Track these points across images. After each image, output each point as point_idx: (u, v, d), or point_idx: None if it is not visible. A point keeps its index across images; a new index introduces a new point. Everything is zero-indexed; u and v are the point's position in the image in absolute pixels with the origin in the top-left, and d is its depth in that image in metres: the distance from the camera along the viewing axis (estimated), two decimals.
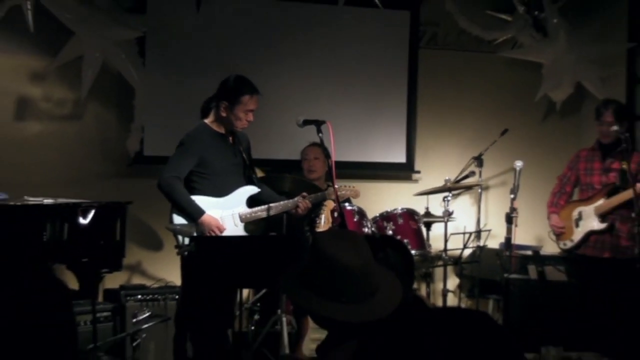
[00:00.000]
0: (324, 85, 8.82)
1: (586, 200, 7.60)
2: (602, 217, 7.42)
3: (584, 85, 9.19)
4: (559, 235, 7.74)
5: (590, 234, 7.51)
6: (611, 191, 7.42)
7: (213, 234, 6.18)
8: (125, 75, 8.00)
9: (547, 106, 9.49)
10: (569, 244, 7.66)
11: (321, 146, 6.27)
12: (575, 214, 7.63)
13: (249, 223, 6.54)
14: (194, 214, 6.19)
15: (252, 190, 6.52)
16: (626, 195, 7.20)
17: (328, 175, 7.69)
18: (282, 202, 6.57)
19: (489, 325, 1.74)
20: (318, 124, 6.26)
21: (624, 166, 7.28)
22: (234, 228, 6.37)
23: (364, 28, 8.94)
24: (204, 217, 6.19)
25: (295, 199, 6.59)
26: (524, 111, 9.45)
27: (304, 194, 6.63)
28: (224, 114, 6.33)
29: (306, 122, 6.39)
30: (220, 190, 6.37)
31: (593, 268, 7.53)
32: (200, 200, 6.27)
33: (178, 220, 6.24)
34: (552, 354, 5.74)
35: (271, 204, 6.54)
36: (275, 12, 8.72)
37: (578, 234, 7.60)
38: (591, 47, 9.12)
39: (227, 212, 6.38)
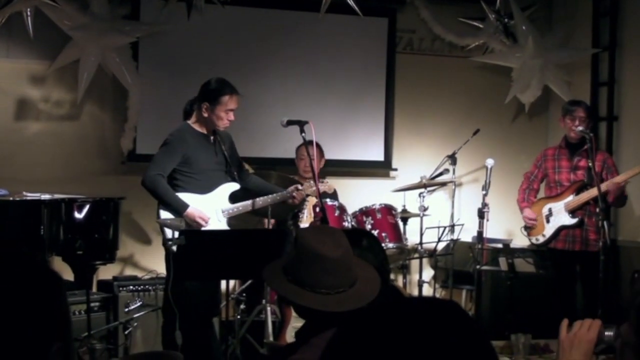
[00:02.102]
0: (307, 87, 8.79)
1: (555, 196, 7.55)
2: (572, 212, 7.39)
3: (551, 88, 9.18)
4: (532, 228, 7.67)
5: (562, 228, 7.45)
6: (580, 188, 7.39)
7: (200, 226, 6.15)
8: (120, 78, 7.97)
9: (517, 107, 9.47)
10: (541, 239, 7.59)
11: (305, 143, 6.24)
12: (545, 210, 7.58)
13: (231, 218, 6.50)
14: (178, 208, 6.15)
15: (233, 187, 6.48)
16: (594, 192, 7.18)
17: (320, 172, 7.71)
18: (269, 196, 6.53)
19: (458, 313, 1.69)
20: (301, 124, 6.24)
21: (590, 164, 7.27)
22: (217, 223, 6.34)
23: (345, 34, 8.92)
24: (189, 210, 6.15)
25: (290, 189, 6.52)
26: (495, 112, 9.42)
27: (298, 185, 6.58)
28: (205, 115, 6.29)
29: (290, 123, 6.36)
30: (203, 187, 6.33)
31: (565, 260, 7.50)
32: (183, 197, 6.23)
33: (165, 215, 6.19)
34: (521, 341, 5.69)
35: (256, 199, 6.51)
36: (262, 19, 8.70)
37: (549, 229, 7.54)
38: (557, 52, 9.14)
39: (210, 208, 6.33)
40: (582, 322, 2.70)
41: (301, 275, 2.97)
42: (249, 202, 6.51)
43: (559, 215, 7.46)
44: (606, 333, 2.65)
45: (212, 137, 6.42)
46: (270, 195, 6.54)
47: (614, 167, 7.48)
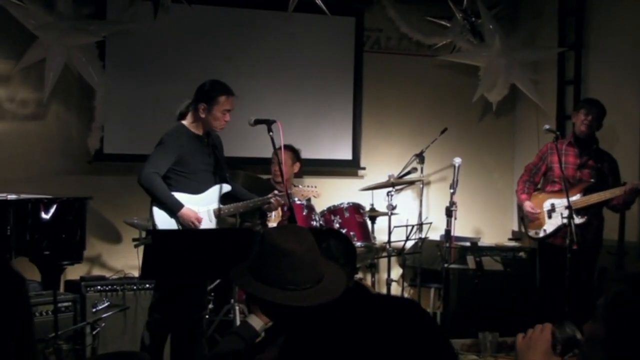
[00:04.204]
0: (275, 86, 8.80)
1: (558, 192, 7.41)
2: (577, 211, 7.20)
3: (518, 86, 9.23)
4: (532, 221, 7.61)
5: (564, 226, 7.23)
6: (587, 188, 7.30)
7: (193, 226, 6.17)
8: (86, 77, 7.94)
9: (484, 106, 9.52)
10: (541, 234, 7.54)
11: (275, 149, 6.22)
12: (546, 205, 7.50)
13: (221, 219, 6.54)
14: (173, 207, 6.18)
15: (225, 188, 6.52)
16: (607, 194, 7.16)
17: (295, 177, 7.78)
18: (255, 199, 6.57)
19: (417, 312, 1.73)
20: (269, 123, 6.25)
21: (599, 166, 7.29)
22: (208, 223, 6.37)
23: (313, 33, 8.95)
24: (183, 210, 6.18)
25: (269, 196, 6.57)
26: (462, 111, 9.47)
27: (276, 192, 6.61)
28: (202, 115, 6.33)
29: (257, 122, 6.38)
30: (196, 187, 6.36)
31: (560, 257, 7.28)
32: (176, 196, 6.24)
33: (158, 213, 6.19)
34: (489, 339, 5.75)
35: (243, 202, 6.55)
36: (229, 18, 8.70)
37: (551, 225, 7.47)
38: (523, 51, 9.20)
39: (203, 208, 6.36)
40: (534, 327, 2.74)
41: (267, 272, 3.00)
42: (239, 204, 6.55)
43: (564, 212, 7.23)
44: (559, 332, 2.68)
45: (205, 139, 6.46)
46: (252, 200, 6.59)
47: (617, 169, 7.46)
